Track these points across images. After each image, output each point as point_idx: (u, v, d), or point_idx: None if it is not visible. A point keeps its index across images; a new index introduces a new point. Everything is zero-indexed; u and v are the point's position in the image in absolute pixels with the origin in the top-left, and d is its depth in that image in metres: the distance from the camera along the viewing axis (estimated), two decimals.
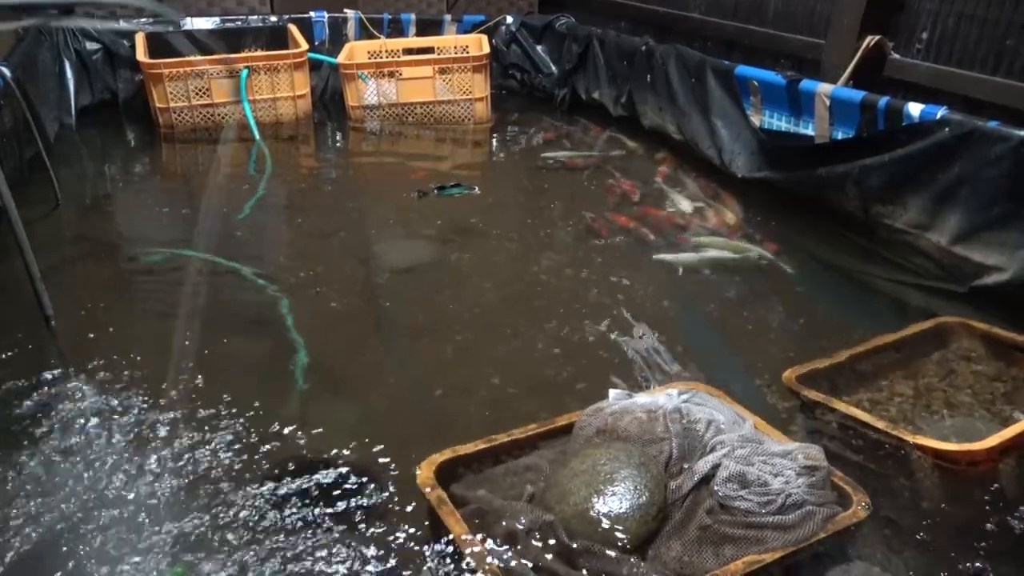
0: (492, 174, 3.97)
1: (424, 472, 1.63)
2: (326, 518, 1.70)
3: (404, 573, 1.57)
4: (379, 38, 5.11)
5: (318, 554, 1.61)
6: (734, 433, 1.68)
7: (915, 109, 2.78)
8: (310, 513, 1.71)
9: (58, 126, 4.28)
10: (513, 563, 1.43)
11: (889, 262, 2.91)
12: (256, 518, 1.70)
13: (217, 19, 5.06)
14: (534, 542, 1.47)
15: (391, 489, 1.79)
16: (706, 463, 1.60)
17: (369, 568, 1.58)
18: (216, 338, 2.46)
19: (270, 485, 1.79)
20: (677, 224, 3.30)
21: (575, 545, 1.46)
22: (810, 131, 3.34)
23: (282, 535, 1.65)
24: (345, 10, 5.23)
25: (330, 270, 2.93)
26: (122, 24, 4.83)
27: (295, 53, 4.63)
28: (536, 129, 4.71)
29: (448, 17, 5.46)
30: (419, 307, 2.67)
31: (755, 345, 2.43)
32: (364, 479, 1.82)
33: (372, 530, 1.67)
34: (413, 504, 1.73)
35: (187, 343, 2.39)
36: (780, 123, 3.53)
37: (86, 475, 1.82)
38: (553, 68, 5.27)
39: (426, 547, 1.62)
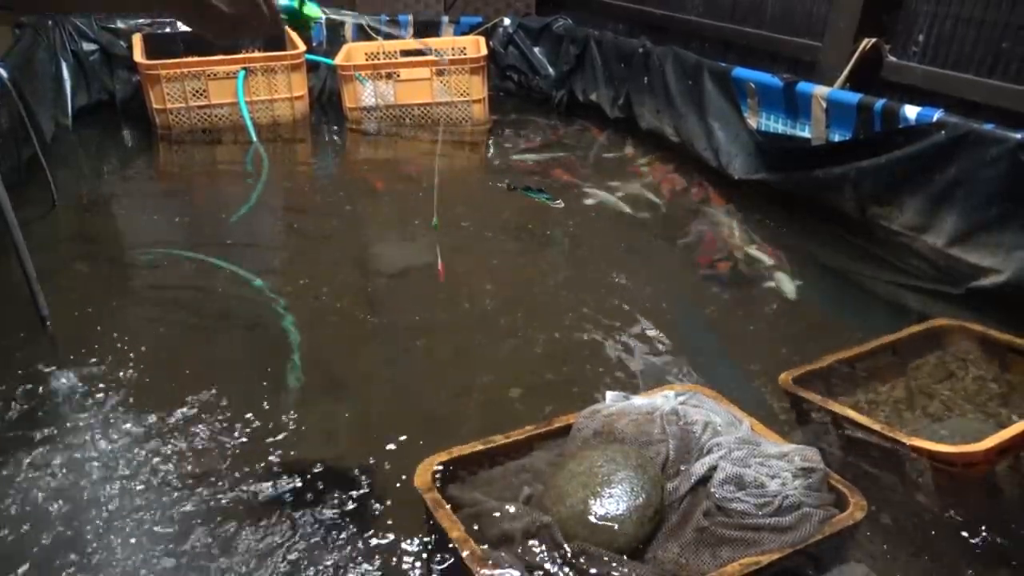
0: (489, 175, 3.97)
1: (421, 474, 1.63)
2: (322, 519, 1.70)
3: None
4: (376, 39, 5.11)
5: (313, 556, 1.60)
6: (731, 435, 1.68)
7: (911, 111, 2.79)
8: (305, 515, 1.71)
9: (55, 126, 4.27)
10: (510, 565, 1.43)
11: (886, 264, 2.92)
12: (251, 520, 1.69)
13: None
14: (531, 544, 1.47)
15: (388, 491, 1.78)
16: (703, 465, 1.59)
17: (365, 570, 1.58)
18: (212, 339, 2.46)
19: (266, 487, 1.79)
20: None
21: (572, 547, 1.46)
22: (807, 133, 3.35)
23: (277, 537, 1.65)
24: (343, 11, 5.24)
25: (327, 272, 2.93)
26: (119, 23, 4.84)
27: (292, 54, 4.63)
28: (534, 130, 4.72)
29: (446, 19, 5.46)
30: (416, 308, 2.67)
31: (752, 347, 2.44)
32: (360, 480, 1.82)
33: (368, 532, 1.67)
34: (410, 506, 1.73)
35: (183, 344, 2.39)
36: (777, 125, 3.53)
37: (81, 476, 1.81)
38: (551, 70, 5.27)
39: (422, 549, 1.61)
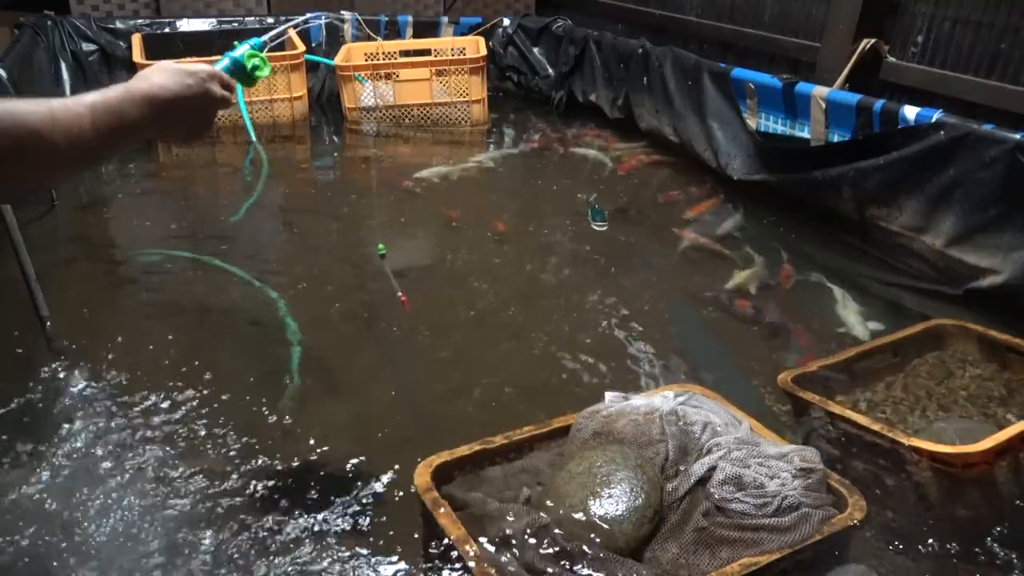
0: (489, 176, 3.97)
1: (420, 474, 1.63)
2: (320, 520, 1.70)
3: None
4: (376, 40, 5.11)
5: (311, 556, 1.60)
6: (730, 435, 1.68)
7: (910, 112, 2.79)
8: (303, 515, 1.71)
9: None
10: (509, 566, 1.43)
11: (884, 264, 2.92)
12: (247, 521, 1.69)
13: (214, 20, 5.06)
14: (530, 544, 1.47)
15: (387, 491, 1.78)
16: (702, 465, 1.60)
17: (364, 571, 1.58)
18: (211, 339, 2.46)
19: (264, 488, 1.79)
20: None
21: (571, 547, 1.46)
22: (806, 134, 3.35)
23: (275, 539, 1.65)
24: (342, 12, 5.24)
25: (326, 272, 2.93)
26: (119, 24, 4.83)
27: (291, 55, 4.62)
28: (533, 131, 4.71)
29: (445, 19, 5.46)
30: (415, 308, 2.67)
31: (751, 347, 2.44)
32: (359, 481, 1.82)
33: (367, 533, 1.67)
34: (409, 507, 1.73)
35: (181, 344, 2.39)
36: (776, 126, 3.53)
37: (79, 477, 1.81)
38: (550, 70, 5.27)
39: (422, 550, 1.61)
